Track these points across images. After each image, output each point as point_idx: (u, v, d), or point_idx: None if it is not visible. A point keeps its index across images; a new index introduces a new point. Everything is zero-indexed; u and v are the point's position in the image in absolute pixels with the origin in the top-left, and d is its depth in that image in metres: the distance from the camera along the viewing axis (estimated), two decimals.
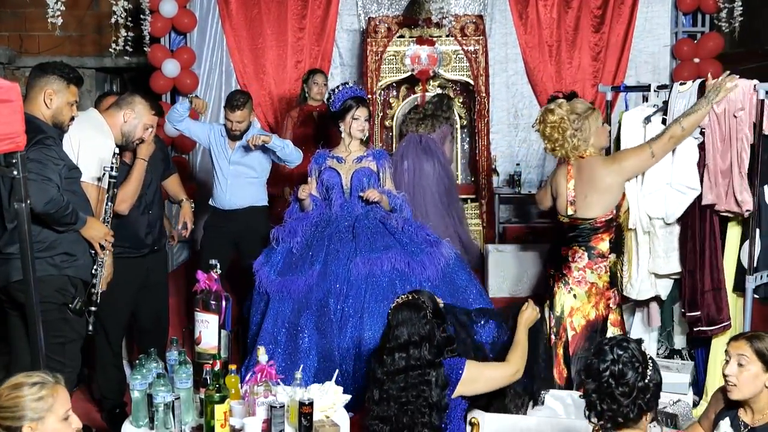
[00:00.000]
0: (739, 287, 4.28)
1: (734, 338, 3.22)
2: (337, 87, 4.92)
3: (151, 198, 4.59)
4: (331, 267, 4.57)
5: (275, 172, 5.74)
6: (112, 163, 4.04)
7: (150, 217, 4.58)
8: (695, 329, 4.44)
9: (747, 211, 4.17)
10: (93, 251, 3.94)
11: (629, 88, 5.08)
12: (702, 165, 4.26)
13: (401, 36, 6.69)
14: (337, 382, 3.91)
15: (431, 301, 3.50)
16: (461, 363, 3.50)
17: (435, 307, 3.49)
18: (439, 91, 7.10)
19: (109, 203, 4.07)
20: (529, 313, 3.83)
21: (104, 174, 4.06)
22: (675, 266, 4.48)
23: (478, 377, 3.53)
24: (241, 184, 5.41)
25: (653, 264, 4.53)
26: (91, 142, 4.06)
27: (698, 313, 4.35)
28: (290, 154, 5.29)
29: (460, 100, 7.12)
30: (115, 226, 4.28)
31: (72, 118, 3.85)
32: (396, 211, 4.78)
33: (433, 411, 3.35)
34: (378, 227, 4.72)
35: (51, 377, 2.54)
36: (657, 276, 4.57)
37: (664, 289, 4.62)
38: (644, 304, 4.77)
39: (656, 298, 4.68)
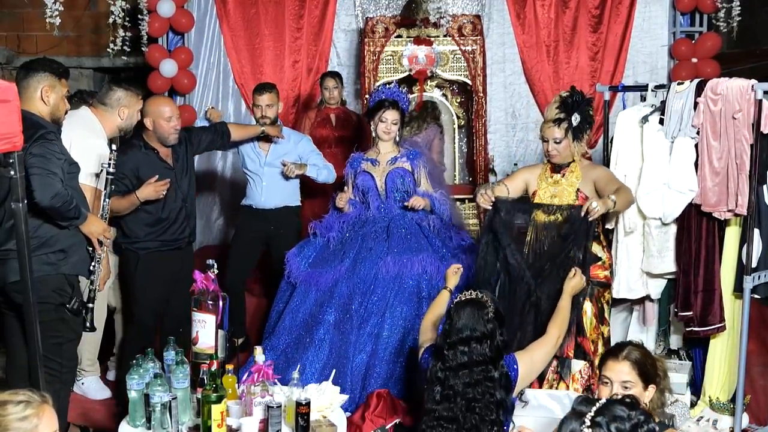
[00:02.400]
0: (739, 288, 4.29)
1: (611, 358, 3.07)
2: (380, 86, 4.96)
3: (186, 190, 4.68)
4: (361, 264, 4.61)
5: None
6: (110, 160, 4.06)
7: (187, 209, 4.69)
8: (687, 329, 4.45)
9: (731, 212, 4.19)
10: (90, 248, 3.95)
11: (627, 88, 5.08)
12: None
13: (399, 36, 6.67)
14: (345, 377, 3.93)
15: (493, 302, 3.45)
16: (513, 359, 3.49)
17: (496, 308, 3.44)
18: (437, 90, 7.10)
19: (107, 200, 4.09)
20: (576, 281, 3.90)
21: (102, 170, 4.08)
22: (669, 266, 4.49)
23: (531, 367, 3.56)
24: (276, 185, 5.47)
25: (647, 263, 4.54)
26: (83, 143, 4.07)
27: (690, 313, 4.36)
28: (324, 179, 5.47)
29: (458, 100, 7.12)
30: (155, 220, 4.51)
31: (66, 111, 3.87)
32: (436, 211, 4.79)
33: (500, 409, 3.30)
34: (413, 228, 4.75)
35: (38, 396, 2.41)
36: (650, 275, 4.58)
37: (655, 288, 4.63)
38: (640, 303, 4.78)
39: (648, 298, 4.68)
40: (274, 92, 5.47)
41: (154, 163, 4.57)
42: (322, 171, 5.45)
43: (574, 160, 4.32)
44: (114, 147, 4.15)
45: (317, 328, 4.49)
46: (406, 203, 4.76)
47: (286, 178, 5.42)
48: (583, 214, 3.95)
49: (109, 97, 4.30)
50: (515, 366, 3.48)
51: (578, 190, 4.29)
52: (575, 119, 4.25)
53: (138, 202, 4.47)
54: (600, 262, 4.34)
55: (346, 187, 4.98)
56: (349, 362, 4.36)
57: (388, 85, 4.99)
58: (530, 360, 3.57)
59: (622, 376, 3.04)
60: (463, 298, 3.45)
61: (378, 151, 4.89)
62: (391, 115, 4.79)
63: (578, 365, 4.20)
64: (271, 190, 5.47)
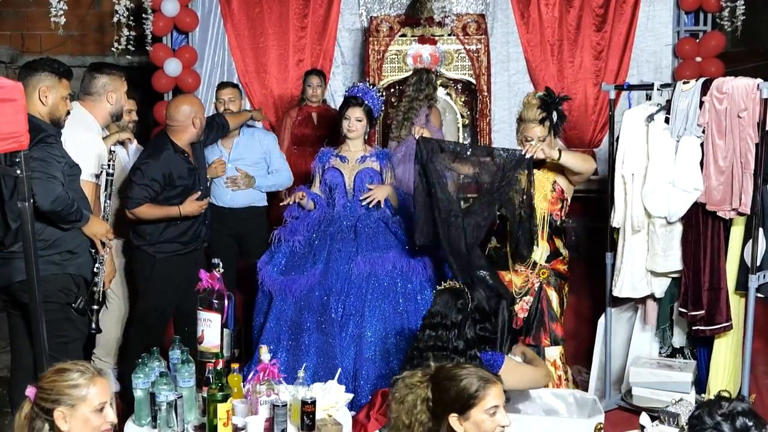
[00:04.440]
0: (742, 287, 4.28)
1: (491, 384, 2.77)
2: (353, 85, 4.97)
3: (205, 189, 4.68)
4: (333, 266, 4.58)
5: None
6: (110, 161, 4.05)
7: (206, 210, 4.69)
8: (694, 328, 4.45)
9: (735, 210, 4.19)
10: (93, 249, 3.95)
11: (632, 87, 5.07)
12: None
13: (403, 35, 6.68)
14: (339, 381, 3.92)
15: (474, 298, 3.63)
16: (499, 358, 3.62)
17: (480, 306, 3.63)
18: (441, 89, 7.08)
19: (108, 201, 4.09)
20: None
21: (102, 172, 4.08)
22: (674, 265, 4.48)
23: (513, 375, 3.63)
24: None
25: (651, 262, 4.53)
26: (78, 140, 4.03)
27: (699, 312, 4.35)
28: (278, 187, 5.53)
29: (462, 99, 7.11)
30: (173, 224, 4.50)
31: (68, 113, 3.84)
32: (402, 203, 4.78)
33: None
34: (380, 226, 4.74)
35: (93, 368, 2.62)
36: (654, 274, 4.58)
37: (659, 287, 4.62)
38: (643, 302, 4.77)
39: (651, 297, 4.68)
40: (237, 89, 5.61)
41: (182, 165, 4.53)
42: (276, 180, 5.46)
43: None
44: (113, 148, 4.13)
45: (301, 335, 4.48)
46: (361, 198, 4.73)
47: (245, 148, 5.40)
48: (524, 152, 4.28)
49: (94, 86, 4.21)
50: (498, 363, 3.60)
51: (555, 182, 4.52)
52: (555, 117, 4.46)
53: (178, 216, 4.48)
54: (561, 258, 4.55)
55: (313, 178, 4.93)
56: (338, 366, 4.35)
57: (359, 84, 4.96)
58: (516, 370, 3.68)
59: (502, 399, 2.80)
60: (446, 285, 3.73)
61: (348, 148, 4.87)
62: (352, 113, 4.76)
63: (555, 352, 4.45)
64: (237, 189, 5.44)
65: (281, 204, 4.96)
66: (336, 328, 4.44)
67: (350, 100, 4.81)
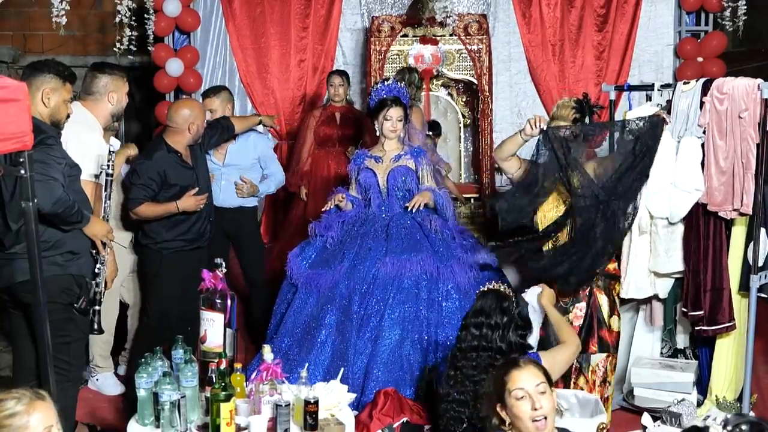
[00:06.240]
0: (744, 287, 4.29)
1: (513, 368, 2.84)
2: (378, 82, 4.94)
3: (204, 189, 4.73)
4: (360, 265, 4.58)
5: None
6: (109, 161, 4.06)
7: (205, 206, 4.74)
8: (696, 328, 4.45)
9: (736, 211, 4.19)
10: (94, 250, 3.96)
11: (633, 88, 5.09)
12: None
13: (405, 35, 6.68)
14: (347, 380, 3.93)
15: (518, 303, 3.70)
16: (536, 357, 3.57)
17: (523, 314, 3.67)
18: (443, 90, 7.08)
19: (108, 201, 4.10)
20: (546, 294, 4.08)
21: (101, 172, 4.08)
22: (676, 265, 4.49)
23: (553, 366, 3.57)
24: (232, 185, 5.44)
25: (654, 263, 4.54)
26: (79, 139, 4.04)
27: (700, 312, 4.36)
28: (276, 187, 5.60)
29: (464, 99, 7.12)
30: (177, 220, 4.58)
31: (68, 116, 3.84)
32: (439, 209, 4.76)
33: None
34: (414, 227, 4.70)
35: (31, 393, 2.42)
36: (657, 275, 4.58)
37: (663, 288, 4.63)
38: (647, 302, 4.78)
39: (656, 297, 4.69)
40: (214, 96, 5.43)
41: (177, 165, 4.61)
42: (271, 184, 5.51)
43: None
44: (112, 148, 4.14)
45: (318, 330, 4.47)
46: (407, 204, 4.73)
47: (239, 153, 5.41)
48: (657, 114, 4.27)
49: (96, 85, 4.21)
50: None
51: None
52: (587, 121, 4.45)
53: (176, 212, 4.56)
54: None
55: (350, 180, 4.95)
56: (350, 365, 4.35)
57: (386, 82, 4.91)
58: (553, 361, 3.62)
59: (536, 379, 2.81)
60: (490, 287, 3.74)
61: (382, 148, 4.87)
62: (395, 113, 4.76)
63: (596, 358, 4.31)
64: (228, 190, 5.43)
65: (322, 211, 4.94)
66: (354, 328, 4.43)
67: (389, 101, 4.77)
